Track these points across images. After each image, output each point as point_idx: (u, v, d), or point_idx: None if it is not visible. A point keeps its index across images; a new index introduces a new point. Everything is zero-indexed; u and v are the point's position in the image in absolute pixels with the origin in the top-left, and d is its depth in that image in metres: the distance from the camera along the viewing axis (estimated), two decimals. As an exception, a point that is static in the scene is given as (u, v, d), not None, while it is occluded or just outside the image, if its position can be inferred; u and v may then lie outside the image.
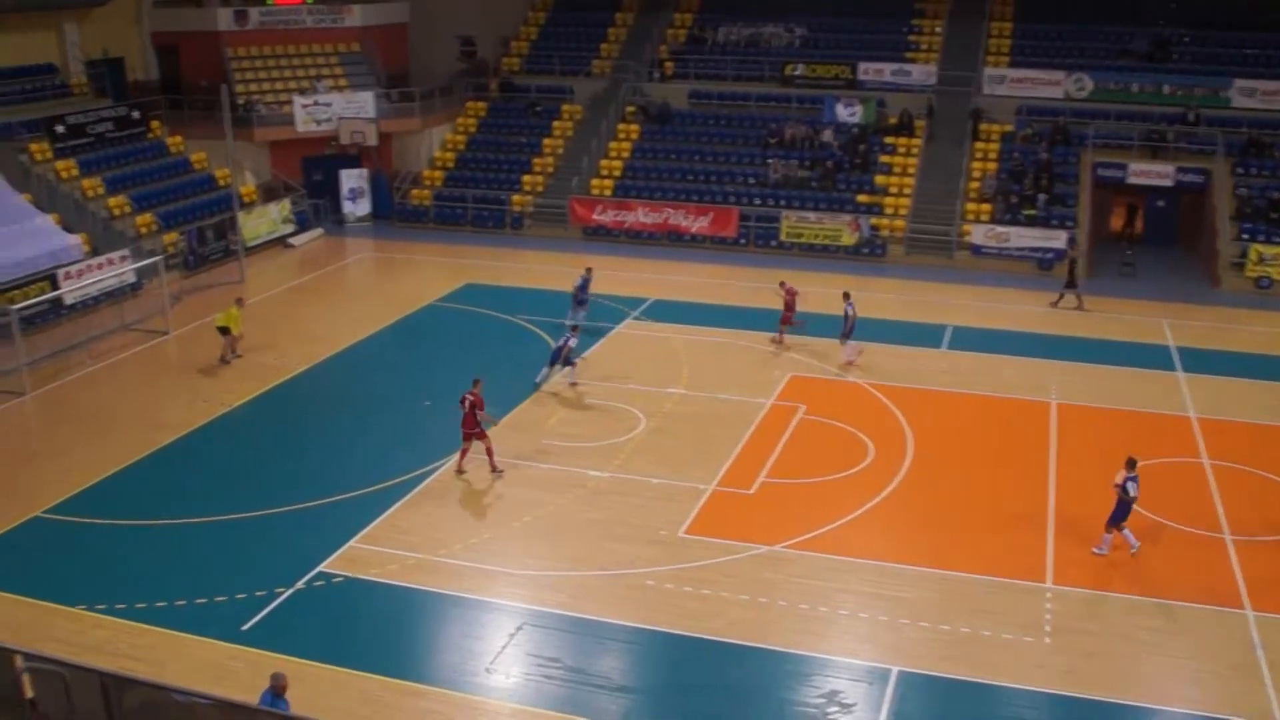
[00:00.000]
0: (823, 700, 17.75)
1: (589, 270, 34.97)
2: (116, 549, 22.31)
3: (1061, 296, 37.62)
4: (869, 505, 23.87)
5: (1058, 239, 41.59)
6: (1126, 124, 44.99)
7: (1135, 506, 21.93)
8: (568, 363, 30.00)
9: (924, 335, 34.71)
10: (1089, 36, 48.71)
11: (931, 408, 29.15)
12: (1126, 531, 21.89)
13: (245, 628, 19.45)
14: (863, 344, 32.55)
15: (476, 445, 25.32)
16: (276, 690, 14.41)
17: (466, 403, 25.04)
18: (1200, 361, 32.47)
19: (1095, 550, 21.93)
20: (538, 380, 30.15)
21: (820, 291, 38.68)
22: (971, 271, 41.71)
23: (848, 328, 32.17)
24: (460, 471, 25.35)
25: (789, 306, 33.64)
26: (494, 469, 25.33)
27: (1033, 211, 42.78)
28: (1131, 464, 21.71)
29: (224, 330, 32.08)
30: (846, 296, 32.58)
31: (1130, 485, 21.59)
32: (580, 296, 34.48)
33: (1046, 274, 41.33)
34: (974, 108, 47.17)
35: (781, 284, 34.16)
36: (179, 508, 23.84)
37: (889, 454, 26.32)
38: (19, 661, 10.54)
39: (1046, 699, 17.76)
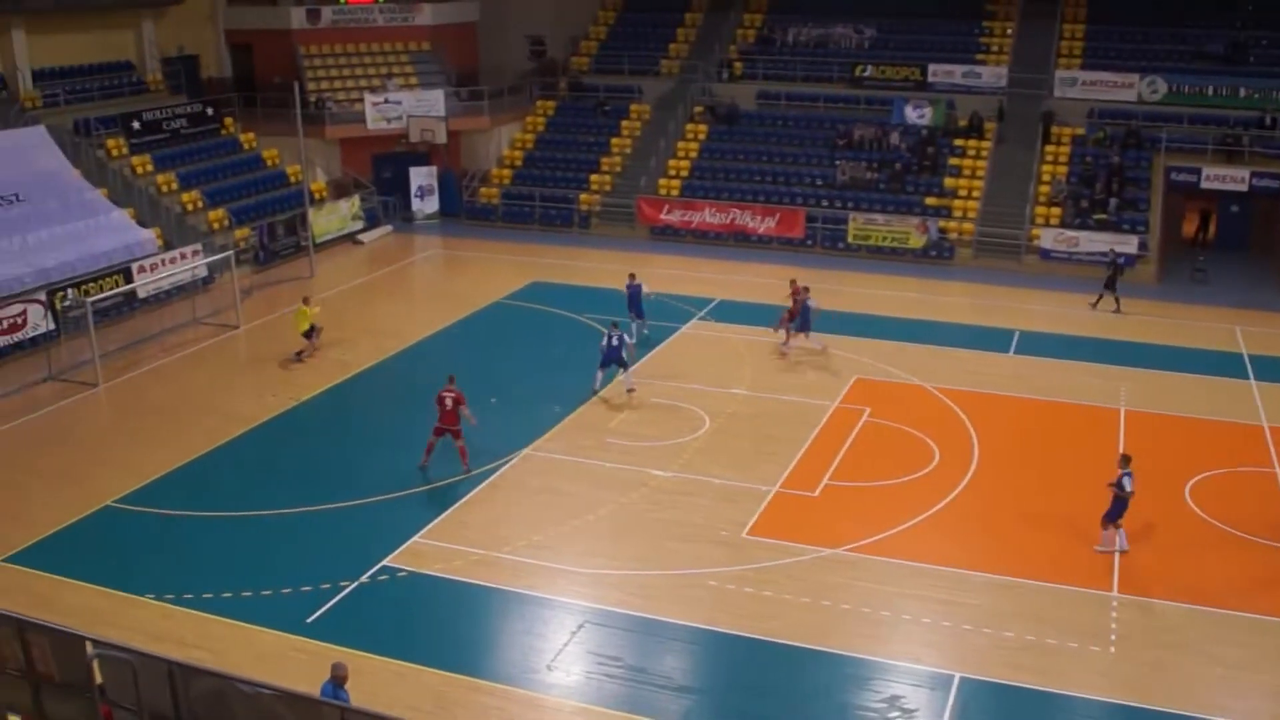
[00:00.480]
0: (884, 705, 17.63)
1: (632, 275, 34.34)
2: (184, 539, 22.64)
3: (1117, 300, 37.26)
4: (934, 510, 23.67)
5: (1128, 244, 41.04)
6: (1201, 127, 44.26)
7: (1207, 517, 21.58)
8: (624, 365, 29.85)
9: (991, 339, 34.39)
10: (1163, 38, 48.01)
11: (998, 412, 28.88)
12: (1121, 531, 21.79)
13: (309, 620, 19.65)
14: (798, 339, 32.68)
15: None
16: (337, 681, 14.52)
17: (449, 400, 25.07)
18: (1274, 369, 31.88)
19: (1098, 549, 21.93)
20: (595, 388, 29.93)
21: (887, 295, 38.56)
22: (1040, 276, 41.23)
23: (799, 318, 32.36)
24: (423, 467, 25.52)
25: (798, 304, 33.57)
26: (465, 469, 25.39)
27: (1103, 216, 42.23)
28: (1126, 460, 21.78)
29: (308, 334, 32.42)
30: (806, 290, 32.49)
31: (1126, 481, 21.48)
32: (636, 302, 33.93)
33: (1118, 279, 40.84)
34: (1045, 110, 46.68)
35: (793, 282, 33.74)
36: (246, 500, 24.15)
37: (954, 458, 26.08)
38: (88, 648, 10.69)
39: (1110, 709, 17.53)
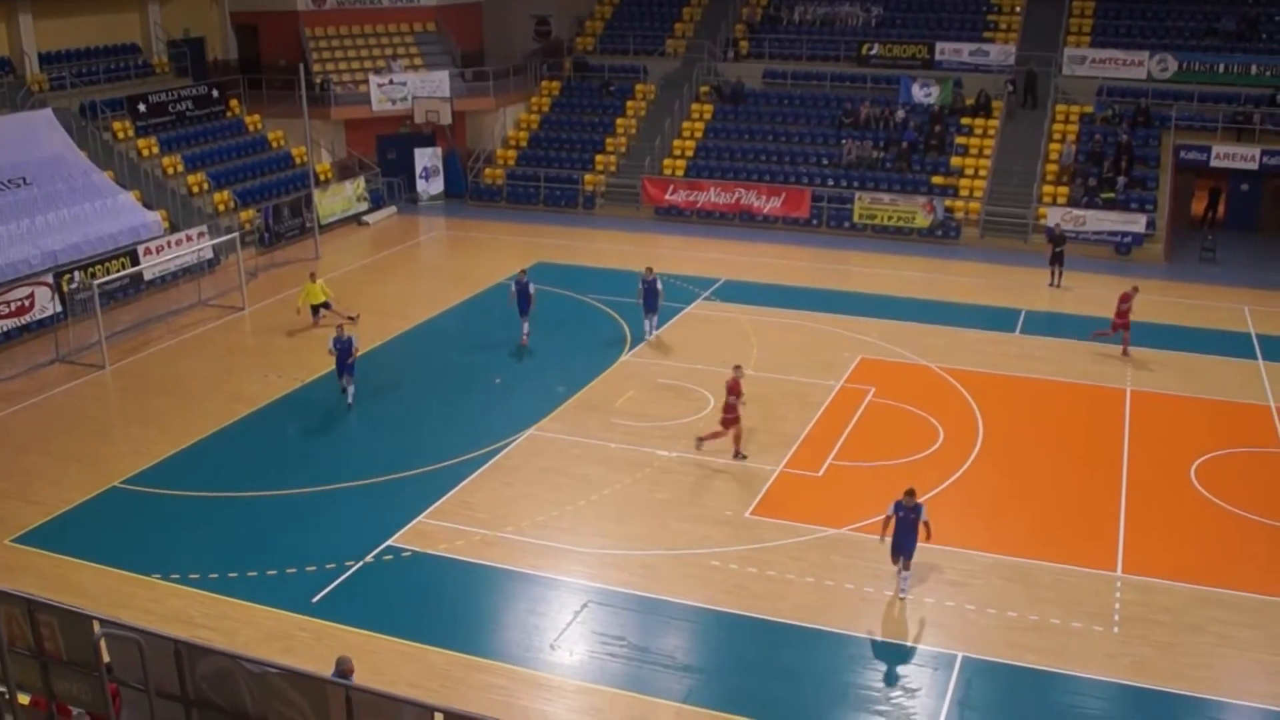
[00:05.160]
0: (887, 685, 17.68)
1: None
2: (191, 520, 22.73)
3: (1060, 275, 37.61)
4: (938, 490, 23.65)
5: (1136, 223, 40.99)
6: (1211, 105, 44.12)
7: (1213, 497, 21.56)
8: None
9: (997, 319, 34.36)
10: (1174, 15, 47.86)
11: (1003, 392, 28.87)
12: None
13: (315, 600, 19.74)
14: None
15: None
16: (342, 674, 14.54)
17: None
18: (1280, 350, 31.89)
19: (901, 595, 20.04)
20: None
21: (892, 274, 38.54)
22: (1047, 255, 41.09)
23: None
24: None
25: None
26: None
27: (1111, 194, 42.12)
28: (910, 493, 19.66)
29: (319, 307, 33.18)
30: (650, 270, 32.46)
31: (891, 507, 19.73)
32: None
33: (1125, 258, 40.76)
34: (1027, 69, 46.58)
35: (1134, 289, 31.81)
36: (252, 480, 24.23)
37: (959, 438, 26.09)
38: (96, 628, 10.76)
39: (1115, 689, 17.54)
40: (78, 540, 21.75)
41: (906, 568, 19.78)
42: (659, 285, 31.87)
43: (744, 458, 24.90)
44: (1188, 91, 44.82)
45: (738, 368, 25.26)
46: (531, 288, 32.08)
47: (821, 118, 48.33)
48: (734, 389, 24.74)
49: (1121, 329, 31.06)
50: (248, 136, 46.92)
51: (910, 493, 19.64)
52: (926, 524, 19.59)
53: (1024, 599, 19.78)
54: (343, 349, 27.60)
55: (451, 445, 25.61)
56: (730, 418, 24.85)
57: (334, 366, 28.28)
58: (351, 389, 27.89)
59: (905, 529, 19.56)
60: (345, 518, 22.67)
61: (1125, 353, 31.00)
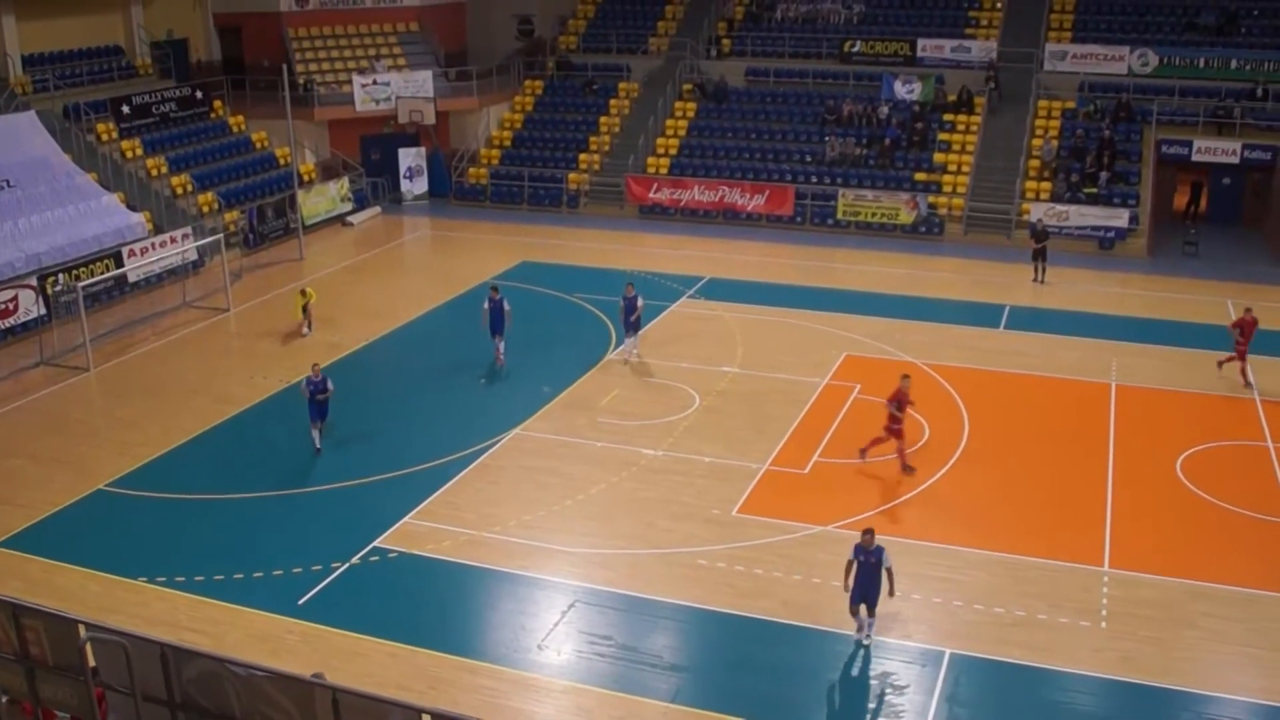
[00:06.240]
0: (875, 682, 17.72)
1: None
2: (177, 522, 22.69)
3: (1042, 270, 37.60)
4: (924, 486, 23.74)
5: (1119, 218, 41.10)
6: (1192, 100, 44.24)
7: (1199, 491, 21.60)
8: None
9: (981, 315, 34.43)
10: (1154, 10, 47.99)
11: (988, 388, 28.92)
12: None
13: (301, 602, 19.70)
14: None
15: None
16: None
17: None
18: (1265, 343, 31.74)
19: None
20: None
21: (876, 271, 38.61)
22: (1030, 250, 41.19)
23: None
24: None
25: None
26: None
27: (1094, 190, 42.24)
28: (868, 534, 18.15)
29: (305, 307, 33.08)
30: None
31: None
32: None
33: (1108, 253, 40.86)
34: (993, 70, 46.72)
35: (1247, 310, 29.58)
36: (238, 482, 24.18)
37: (945, 435, 26.14)
38: (82, 631, 10.73)
39: (1103, 684, 17.59)
40: (63, 544, 21.68)
41: (871, 614, 18.30)
42: (640, 303, 30.41)
43: (913, 470, 24.29)
44: (1169, 86, 44.94)
45: (906, 377, 24.64)
46: (506, 304, 30.33)
47: (804, 115, 48.36)
48: (902, 399, 24.11)
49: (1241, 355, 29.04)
50: (231, 138, 46.81)
51: (869, 533, 18.11)
52: (890, 571, 18.01)
53: (1011, 594, 19.83)
54: (315, 389, 25.40)
55: (437, 446, 25.59)
56: (896, 429, 24.13)
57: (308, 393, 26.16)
58: (318, 434, 25.77)
59: (867, 575, 17.93)
60: (331, 519, 22.63)
61: (1246, 383, 28.82)
